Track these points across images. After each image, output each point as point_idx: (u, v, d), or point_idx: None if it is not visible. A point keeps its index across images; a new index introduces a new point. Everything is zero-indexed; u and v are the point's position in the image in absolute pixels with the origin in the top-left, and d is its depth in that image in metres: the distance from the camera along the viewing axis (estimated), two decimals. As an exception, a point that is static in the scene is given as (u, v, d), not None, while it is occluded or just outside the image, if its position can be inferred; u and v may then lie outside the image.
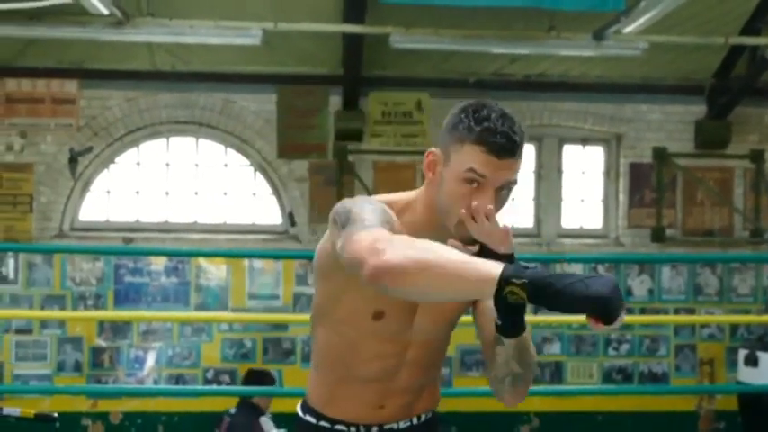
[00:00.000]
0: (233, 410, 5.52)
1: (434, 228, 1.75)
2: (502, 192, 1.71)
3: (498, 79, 6.83)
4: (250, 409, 5.42)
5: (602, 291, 1.39)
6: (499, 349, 1.74)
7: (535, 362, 1.79)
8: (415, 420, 1.96)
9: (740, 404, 6.39)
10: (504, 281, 1.40)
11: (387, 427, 1.93)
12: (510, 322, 1.64)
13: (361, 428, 1.92)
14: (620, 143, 7.11)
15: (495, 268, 1.42)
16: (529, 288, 1.39)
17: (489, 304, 1.67)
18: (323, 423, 1.93)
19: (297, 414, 1.99)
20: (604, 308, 1.40)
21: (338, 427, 1.92)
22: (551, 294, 1.39)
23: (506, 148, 1.67)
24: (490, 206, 1.65)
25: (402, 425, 1.94)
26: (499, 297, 1.41)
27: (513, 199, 1.90)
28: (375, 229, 1.59)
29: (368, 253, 1.52)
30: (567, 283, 1.39)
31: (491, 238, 1.64)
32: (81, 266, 6.65)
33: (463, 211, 1.66)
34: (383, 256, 1.49)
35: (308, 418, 1.96)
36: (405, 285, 1.48)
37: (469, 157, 1.68)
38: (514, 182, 1.72)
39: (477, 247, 1.64)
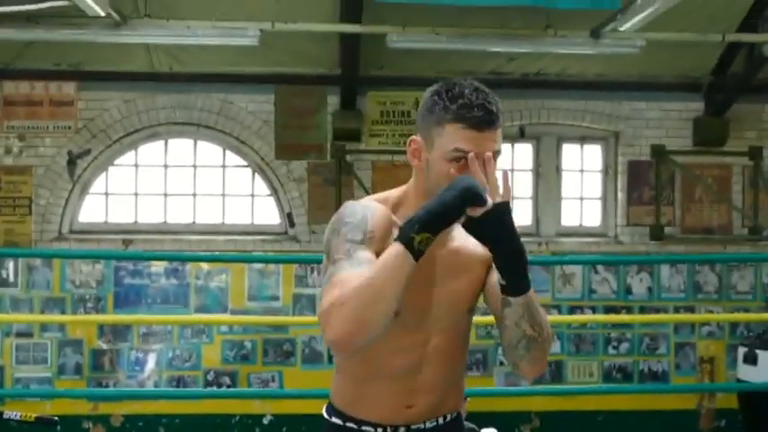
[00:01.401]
0: None
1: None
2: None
3: (496, 78, 6.82)
4: None
5: (460, 183, 1.64)
6: (507, 312, 1.75)
7: (547, 323, 1.78)
8: (440, 420, 1.93)
9: (740, 402, 6.39)
10: (407, 242, 1.61)
11: (414, 427, 1.90)
12: (514, 277, 1.69)
13: (389, 429, 1.89)
14: (618, 141, 7.11)
15: (396, 245, 1.63)
16: (425, 229, 1.61)
17: (494, 279, 1.80)
18: (350, 424, 1.91)
19: (323, 416, 1.98)
20: (468, 190, 1.63)
21: (365, 428, 1.90)
22: (438, 217, 1.62)
23: (485, 120, 1.72)
24: (488, 153, 1.70)
25: (428, 425, 1.91)
26: (415, 252, 1.61)
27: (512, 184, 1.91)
28: (335, 286, 1.66)
29: (323, 325, 1.65)
30: (439, 202, 1.63)
31: (491, 183, 1.68)
32: (81, 269, 6.64)
33: (452, 170, 1.72)
34: (329, 335, 1.63)
35: (335, 419, 1.94)
36: (359, 336, 1.63)
37: (452, 137, 1.73)
38: (499, 152, 1.76)
39: (463, 219, 1.68)
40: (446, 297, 1.86)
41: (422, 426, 1.91)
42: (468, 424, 5.27)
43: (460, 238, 1.85)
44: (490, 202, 1.66)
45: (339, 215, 1.81)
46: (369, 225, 1.75)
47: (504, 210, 1.67)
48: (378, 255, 1.70)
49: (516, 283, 1.71)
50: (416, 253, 1.62)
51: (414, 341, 1.85)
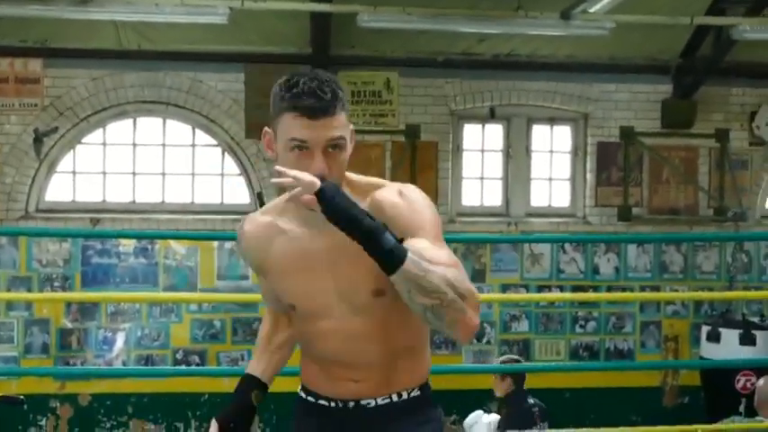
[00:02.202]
0: None
1: (301, 208, 1.79)
2: (333, 150, 1.76)
3: (467, 58, 6.83)
4: None
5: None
6: (398, 290, 1.71)
7: (447, 283, 1.69)
8: (395, 398, 1.94)
9: (702, 379, 6.51)
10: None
11: (363, 402, 1.92)
12: (376, 256, 1.67)
13: (339, 404, 1.94)
14: (587, 122, 7.16)
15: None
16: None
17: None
18: (310, 398, 2.00)
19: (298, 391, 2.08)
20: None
21: (321, 402, 1.97)
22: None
23: (316, 108, 1.72)
24: (322, 168, 1.72)
25: (380, 401, 1.93)
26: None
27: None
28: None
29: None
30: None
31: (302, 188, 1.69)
32: (47, 248, 6.57)
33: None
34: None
35: (301, 393, 2.04)
36: None
37: (288, 126, 1.75)
38: (339, 138, 1.76)
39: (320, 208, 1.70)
40: (342, 283, 1.85)
41: (372, 402, 1.92)
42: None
43: None
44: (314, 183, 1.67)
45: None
46: (242, 259, 2.03)
47: (329, 192, 1.67)
48: (259, 271, 2.00)
49: (382, 261, 1.67)
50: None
51: (330, 326, 1.89)
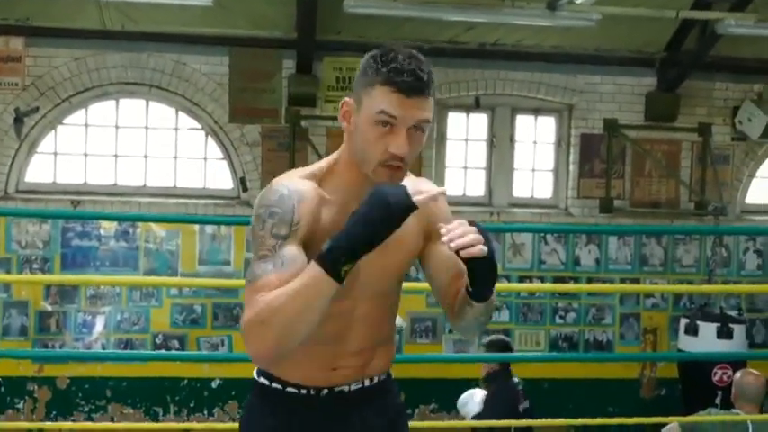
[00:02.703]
0: None
1: (359, 183, 1.78)
2: (416, 132, 1.74)
3: (453, 47, 6.82)
4: None
5: (385, 197, 1.63)
6: (468, 310, 1.80)
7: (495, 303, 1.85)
8: (366, 382, 1.94)
9: (680, 371, 6.57)
10: (334, 273, 1.61)
11: (337, 389, 1.91)
12: (486, 288, 1.73)
13: (311, 391, 1.90)
14: (571, 114, 7.17)
15: (320, 271, 1.62)
16: (353, 259, 1.61)
17: (441, 251, 1.79)
18: (275, 385, 1.92)
19: (253, 377, 1.99)
20: (396, 206, 1.63)
21: (289, 389, 1.91)
22: (365, 244, 1.62)
23: (414, 87, 1.71)
24: (405, 147, 1.71)
25: (353, 386, 1.93)
26: (341, 280, 1.62)
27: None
28: (257, 294, 1.68)
29: (245, 339, 1.70)
30: (365, 226, 1.61)
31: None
32: (27, 229, 6.52)
33: (376, 135, 1.72)
34: (250, 351, 1.69)
35: (262, 380, 1.96)
36: (279, 353, 1.69)
37: (379, 99, 1.72)
38: (426, 121, 1.75)
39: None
40: (376, 269, 1.82)
41: (346, 388, 1.92)
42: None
43: None
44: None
45: (265, 200, 1.77)
46: (295, 216, 1.74)
47: (485, 236, 1.68)
48: (306, 241, 1.74)
49: (486, 291, 1.75)
50: (341, 280, 1.64)
51: (340, 309, 1.82)
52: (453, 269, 1.84)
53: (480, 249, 1.62)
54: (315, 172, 1.85)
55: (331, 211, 1.79)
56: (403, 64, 1.72)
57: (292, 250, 1.71)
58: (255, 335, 1.67)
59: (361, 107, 1.77)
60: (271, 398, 1.93)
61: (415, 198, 1.64)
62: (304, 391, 1.90)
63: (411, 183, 1.77)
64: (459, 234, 1.64)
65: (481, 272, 1.69)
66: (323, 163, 1.88)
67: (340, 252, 1.62)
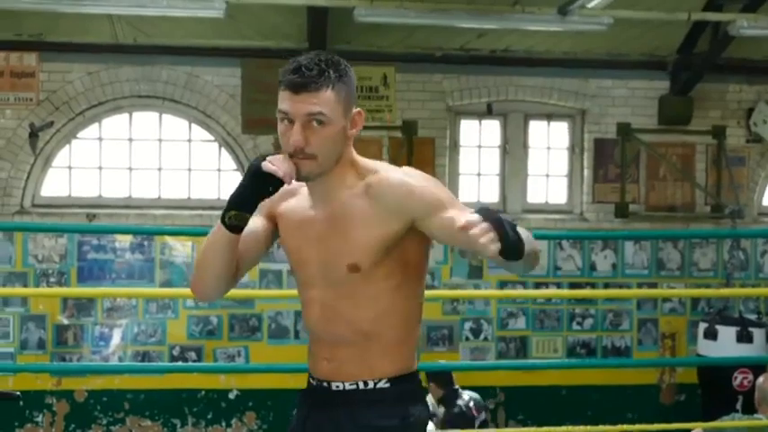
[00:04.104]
0: None
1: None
2: (317, 125, 1.86)
3: (464, 54, 6.82)
4: None
5: (252, 167, 1.87)
6: (508, 266, 1.78)
7: (533, 242, 1.81)
8: (361, 385, 1.94)
9: (699, 377, 6.51)
10: (222, 219, 1.90)
11: (334, 386, 1.96)
12: (510, 250, 1.68)
13: (316, 383, 2.01)
14: (584, 119, 7.15)
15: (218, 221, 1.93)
16: (230, 207, 1.88)
17: (440, 223, 1.85)
18: (309, 378, 2.06)
19: None
20: (255, 175, 1.86)
21: (310, 380, 2.05)
22: (237, 198, 1.88)
23: (297, 83, 1.85)
24: (298, 138, 1.85)
25: (348, 386, 1.94)
26: (227, 226, 1.89)
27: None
28: None
29: None
30: (239, 185, 1.88)
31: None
32: (43, 243, 6.55)
33: (280, 130, 1.90)
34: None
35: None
36: (198, 291, 2.06)
37: (280, 98, 1.90)
38: (319, 113, 1.85)
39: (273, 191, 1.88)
40: (325, 254, 1.94)
41: (341, 386, 1.95)
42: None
43: (351, 197, 1.91)
44: None
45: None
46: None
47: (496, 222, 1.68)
48: (270, 218, 2.04)
49: (514, 257, 1.70)
50: (230, 228, 1.89)
51: (312, 296, 1.99)
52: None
53: (493, 250, 1.65)
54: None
55: (294, 200, 2.03)
56: (295, 63, 1.87)
57: (253, 220, 1.98)
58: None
59: None
60: (305, 388, 2.09)
61: (264, 164, 1.85)
62: (314, 383, 2.02)
63: (382, 176, 1.90)
64: (476, 238, 1.67)
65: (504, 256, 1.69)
66: None
67: (227, 205, 1.88)
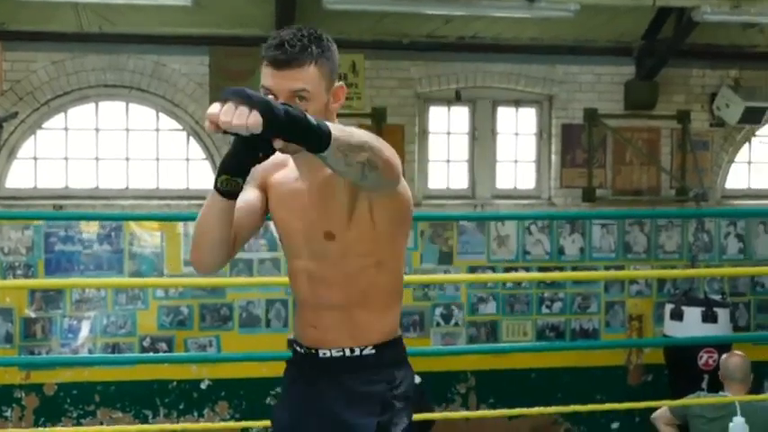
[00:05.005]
0: None
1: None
2: (300, 102, 1.84)
3: (432, 41, 6.83)
4: None
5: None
6: (332, 164, 1.72)
7: (360, 134, 1.74)
8: (347, 352, 2.00)
9: (666, 357, 6.62)
10: (215, 184, 1.85)
11: (321, 353, 2.01)
12: (308, 142, 1.63)
13: (304, 350, 2.07)
14: (552, 104, 7.21)
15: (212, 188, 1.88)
16: (221, 171, 1.83)
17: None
18: (295, 345, 2.13)
19: None
20: (241, 138, 1.67)
21: (296, 347, 2.11)
22: (227, 161, 1.81)
23: (279, 59, 1.84)
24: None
25: (334, 353, 2.01)
26: (220, 191, 1.84)
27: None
28: None
29: None
30: (230, 149, 1.79)
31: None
32: (9, 235, 6.47)
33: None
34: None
35: (292, 336, 2.19)
36: (196, 259, 2.00)
37: (263, 75, 1.90)
38: (302, 90, 1.85)
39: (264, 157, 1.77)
40: (307, 224, 2.00)
41: (327, 353, 2.01)
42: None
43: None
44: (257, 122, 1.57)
45: None
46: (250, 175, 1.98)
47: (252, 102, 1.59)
48: (262, 190, 2.06)
49: (313, 138, 1.63)
50: (223, 193, 1.84)
51: (298, 265, 2.06)
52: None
53: (246, 125, 1.55)
54: None
55: (283, 172, 2.06)
56: (277, 38, 1.85)
57: (247, 191, 1.98)
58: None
59: None
60: (292, 355, 2.15)
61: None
62: (301, 350, 2.08)
63: None
64: (224, 120, 1.58)
65: (275, 134, 1.60)
66: None
67: (218, 170, 1.85)
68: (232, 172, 1.82)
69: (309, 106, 1.84)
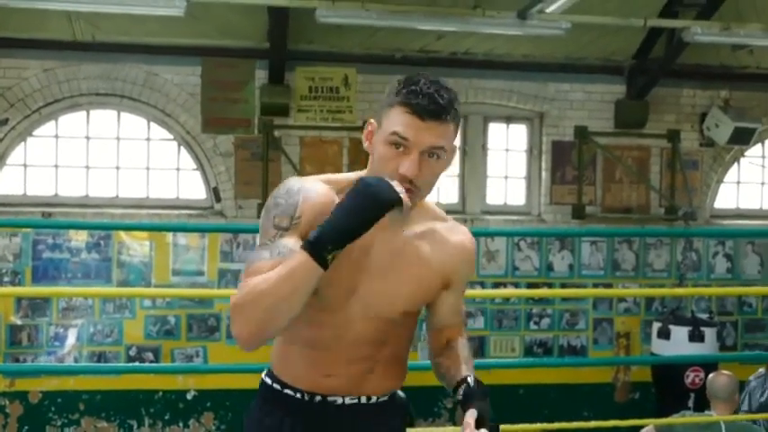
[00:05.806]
0: None
1: None
2: (430, 158, 1.74)
3: (424, 56, 6.86)
4: None
5: (370, 188, 1.63)
6: (443, 376, 1.91)
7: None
8: (363, 399, 1.91)
9: (653, 375, 6.63)
10: (317, 257, 1.62)
11: (330, 399, 1.89)
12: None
13: (306, 396, 1.89)
14: (542, 121, 7.24)
15: (301, 254, 1.64)
16: (336, 247, 1.62)
17: (448, 300, 1.94)
18: (276, 386, 1.94)
19: (261, 378, 2.01)
20: (376, 198, 1.62)
21: (287, 391, 1.91)
22: (344, 230, 1.62)
23: (429, 110, 1.69)
24: (413, 169, 1.69)
25: (348, 400, 1.89)
26: (325, 266, 1.63)
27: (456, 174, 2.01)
28: (249, 278, 1.72)
29: (231, 318, 1.74)
30: (349, 214, 1.62)
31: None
32: (-4, 242, 6.44)
33: (387, 154, 1.71)
34: (234, 332, 1.72)
35: (267, 379, 1.97)
36: (260, 336, 1.71)
37: (395, 120, 1.71)
38: (441, 148, 1.74)
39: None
40: (380, 290, 1.84)
41: (340, 400, 1.89)
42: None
43: (414, 237, 1.86)
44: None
45: (275, 193, 1.81)
46: (297, 210, 1.75)
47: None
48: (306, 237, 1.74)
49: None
50: (326, 266, 1.64)
51: (333, 320, 1.84)
52: (450, 320, 1.97)
53: None
54: (338, 179, 1.87)
55: None
56: (422, 87, 1.70)
57: (290, 242, 1.72)
58: (240, 316, 1.69)
59: (380, 127, 1.76)
60: (271, 398, 1.94)
61: (399, 190, 1.65)
62: (299, 395, 1.90)
63: (448, 226, 1.94)
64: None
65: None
66: (351, 174, 1.89)
67: (325, 238, 1.63)
68: (339, 245, 1.64)
69: (439, 165, 1.76)
